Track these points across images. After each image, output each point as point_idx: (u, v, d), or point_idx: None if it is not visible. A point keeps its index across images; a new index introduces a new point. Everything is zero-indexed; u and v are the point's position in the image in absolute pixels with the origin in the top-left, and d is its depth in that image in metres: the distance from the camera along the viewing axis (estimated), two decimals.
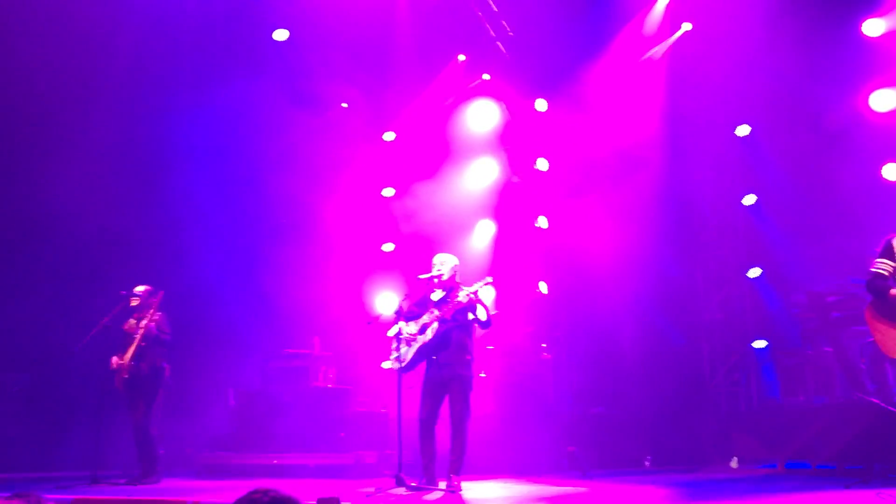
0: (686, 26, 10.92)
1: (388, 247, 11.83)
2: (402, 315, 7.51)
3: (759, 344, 10.44)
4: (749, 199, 10.77)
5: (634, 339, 10.67)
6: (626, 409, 10.32)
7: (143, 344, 8.33)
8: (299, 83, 11.80)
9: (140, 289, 8.60)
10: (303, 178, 11.32)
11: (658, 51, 11.13)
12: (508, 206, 11.47)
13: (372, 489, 7.11)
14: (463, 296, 7.17)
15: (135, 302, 8.52)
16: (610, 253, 10.51)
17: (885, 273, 5.77)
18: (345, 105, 12.10)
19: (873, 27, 9.59)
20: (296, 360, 10.42)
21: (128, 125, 11.11)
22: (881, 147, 9.48)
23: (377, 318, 8.28)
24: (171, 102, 11.22)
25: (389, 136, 12.13)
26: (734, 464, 9.59)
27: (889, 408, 7.85)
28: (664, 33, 11.11)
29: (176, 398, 9.43)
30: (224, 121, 11.24)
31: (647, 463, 9.91)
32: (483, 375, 9.74)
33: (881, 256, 5.83)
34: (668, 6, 11.07)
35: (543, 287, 11.11)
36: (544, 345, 10.46)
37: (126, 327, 8.51)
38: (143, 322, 8.34)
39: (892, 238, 5.88)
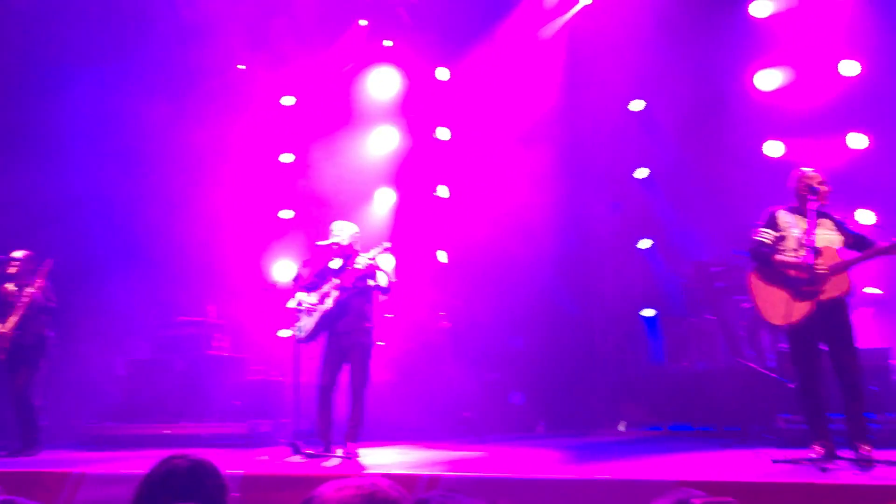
0: (585, 0, 11.08)
1: (287, 213, 11.63)
2: (301, 284, 7.43)
3: (648, 312, 10.83)
4: (641, 173, 11.08)
5: (530, 307, 10.87)
6: (521, 376, 10.54)
7: (27, 312, 7.97)
8: (193, 45, 11.36)
9: (19, 254, 8.18)
10: (197, 142, 10.95)
11: (557, 24, 11.25)
12: (408, 174, 11.45)
13: (266, 457, 7.06)
14: (361, 262, 7.15)
15: (13, 269, 8.11)
16: (509, 223, 10.64)
17: (769, 241, 6.09)
18: (241, 67, 11.75)
19: (760, 8, 10.01)
20: (189, 328, 10.15)
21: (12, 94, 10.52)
22: (763, 124, 9.94)
23: (274, 285, 8.18)
24: (54, 71, 10.64)
25: (288, 100, 11.86)
26: (622, 427, 9.97)
27: (765, 372, 8.34)
28: (564, 6, 11.23)
29: (61, 368, 9.06)
30: (110, 86, 10.72)
31: (540, 428, 10.19)
32: (381, 344, 9.75)
33: (765, 226, 6.14)
34: None
35: (443, 256, 11.19)
36: (443, 313, 10.57)
37: (4, 291, 8.10)
38: (29, 290, 7.97)
39: (775, 210, 6.20)
